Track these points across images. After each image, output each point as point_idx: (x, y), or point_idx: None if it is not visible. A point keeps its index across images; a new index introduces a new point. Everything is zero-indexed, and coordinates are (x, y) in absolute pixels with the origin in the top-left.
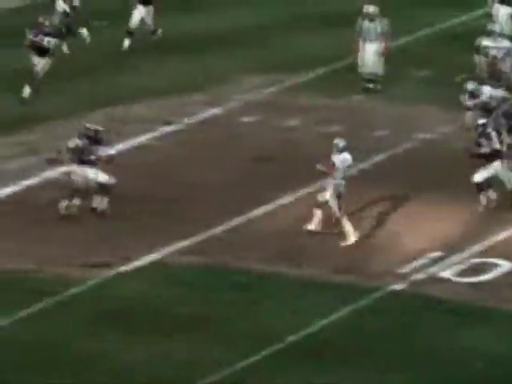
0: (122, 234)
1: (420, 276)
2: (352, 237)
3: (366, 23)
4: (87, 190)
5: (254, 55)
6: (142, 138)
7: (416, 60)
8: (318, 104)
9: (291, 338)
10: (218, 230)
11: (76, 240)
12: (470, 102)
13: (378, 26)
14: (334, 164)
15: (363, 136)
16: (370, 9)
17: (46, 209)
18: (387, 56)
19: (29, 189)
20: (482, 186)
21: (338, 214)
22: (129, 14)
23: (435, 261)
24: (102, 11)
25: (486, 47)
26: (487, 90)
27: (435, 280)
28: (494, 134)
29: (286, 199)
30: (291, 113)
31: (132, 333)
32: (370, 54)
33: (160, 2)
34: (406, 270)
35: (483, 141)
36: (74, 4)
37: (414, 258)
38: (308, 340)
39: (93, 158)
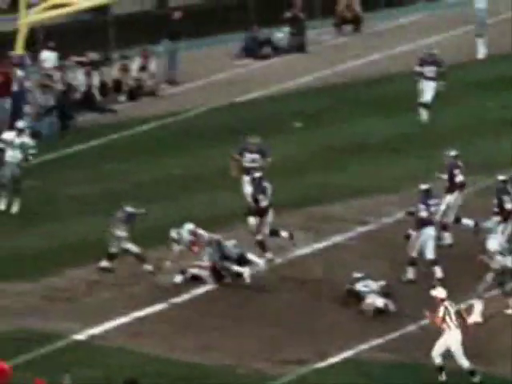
0: (316, 330)
1: None
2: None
3: None
4: None
5: None
6: (338, 237)
7: None
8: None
9: None
10: (410, 327)
11: (272, 336)
12: None
13: None
14: None
15: None
16: None
17: (243, 307)
18: None
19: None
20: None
21: None
22: (325, 117)
23: None
24: (298, 112)
25: None
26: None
27: None
28: None
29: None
30: (484, 214)
31: None
32: None
33: None
34: None
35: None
36: None
37: None
38: None
39: None
